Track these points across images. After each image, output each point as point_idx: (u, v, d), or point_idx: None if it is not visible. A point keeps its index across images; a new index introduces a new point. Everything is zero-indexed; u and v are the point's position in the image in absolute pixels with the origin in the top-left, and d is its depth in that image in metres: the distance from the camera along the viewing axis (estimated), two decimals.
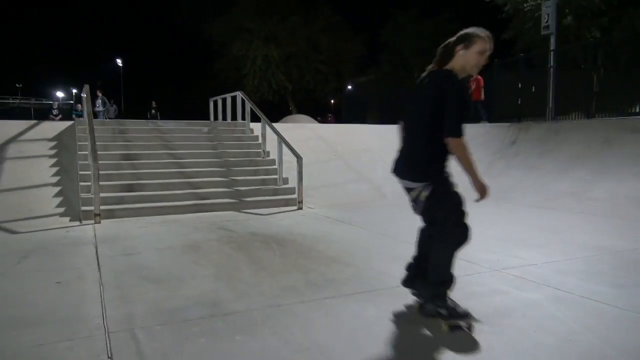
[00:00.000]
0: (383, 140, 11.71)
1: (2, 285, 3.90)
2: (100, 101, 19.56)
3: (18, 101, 35.68)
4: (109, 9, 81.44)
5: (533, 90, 13.20)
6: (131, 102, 42.53)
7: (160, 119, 19.77)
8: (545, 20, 13.81)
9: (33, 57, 67.56)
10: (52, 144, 9.03)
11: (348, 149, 11.01)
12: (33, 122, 10.23)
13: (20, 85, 42.96)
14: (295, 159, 8.26)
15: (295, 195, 8.26)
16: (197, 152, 9.54)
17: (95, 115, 14.12)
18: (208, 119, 13.78)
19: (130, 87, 55.31)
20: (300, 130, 11.65)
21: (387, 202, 8.41)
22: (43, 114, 24.71)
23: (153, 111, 22.75)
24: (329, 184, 9.30)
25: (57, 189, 7.67)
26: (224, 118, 12.77)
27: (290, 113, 30.88)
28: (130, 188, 7.86)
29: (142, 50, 75.85)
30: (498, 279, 3.93)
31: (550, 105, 12.46)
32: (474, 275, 4.01)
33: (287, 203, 8.21)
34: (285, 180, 8.80)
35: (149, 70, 70.52)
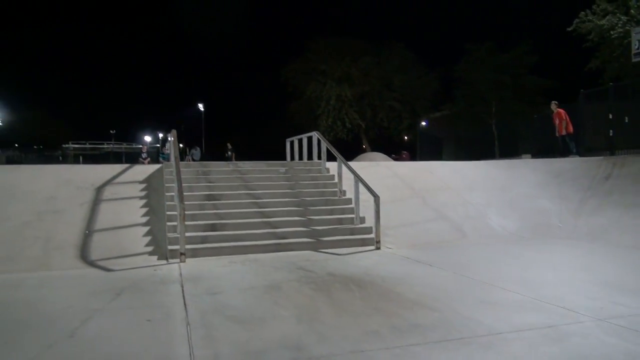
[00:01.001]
0: (462, 178, 11.39)
1: (99, 322, 4.13)
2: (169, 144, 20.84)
3: (112, 146, 38.91)
4: (192, 58, 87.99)
5: (626, 120, 12.30)
6: (211, 144, 44.95)
7: (236, 160, 20.63)
8: (636, 47, 12.97)
9: (124, 104, 74.17)
10: (142, 186, 9.65)
11: (425, 187, 10.77)
12: (125, 165, 11.04)
13: (114, 131, 46.98)
14: (371, 197, 8.19)
15: (372, 235, 8.14)
16: (275, 192, 9.76)
17: (168, 157, 15.12)
18: (284, 159, 14.14)
19: (210, 130, 58.64)
20: (376, 168, 11.61)
21: (468, 242, 8.03)
22: (133, 157, 26.72)
23: (229, 152, 23.80)
24: (407, 223, 9.09)
25: (147, 228, 8.13)
26: (300, 158, 13.05)
27: (364, 151, 31.03)
28: (213, 227, 8.16)
29: (222, 95, 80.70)
30: (603, 330, 3.57)
31: None
32: (574, 325, 3.68)
33: (364, 243, 8.11)
34: (362, 220, 8.73)
35: (228, 114, 74.66)
